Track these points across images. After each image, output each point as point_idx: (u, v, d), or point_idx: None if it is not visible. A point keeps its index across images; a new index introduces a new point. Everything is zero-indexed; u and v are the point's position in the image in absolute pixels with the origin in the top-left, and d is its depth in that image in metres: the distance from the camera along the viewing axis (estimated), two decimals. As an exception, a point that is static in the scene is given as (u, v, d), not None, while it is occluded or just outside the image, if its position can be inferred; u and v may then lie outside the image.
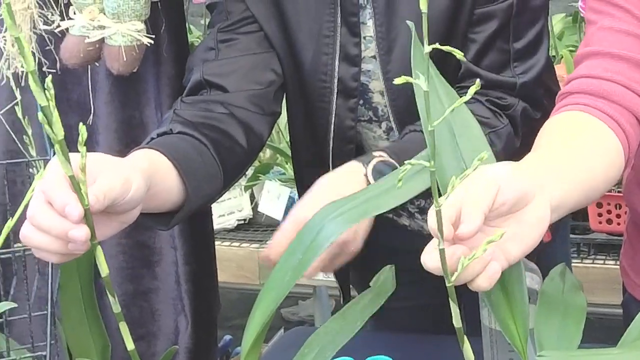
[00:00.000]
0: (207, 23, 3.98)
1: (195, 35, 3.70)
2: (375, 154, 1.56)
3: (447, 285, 1.12)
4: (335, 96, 1.79)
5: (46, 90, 1.09)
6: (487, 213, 1.15)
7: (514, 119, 1.69)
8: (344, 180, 1.51)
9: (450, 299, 1.14)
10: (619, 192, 2.99)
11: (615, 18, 1.62)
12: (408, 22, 1.16)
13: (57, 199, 1.17)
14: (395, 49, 1.73)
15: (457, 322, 1.16)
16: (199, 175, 1.52)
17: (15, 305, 1.43)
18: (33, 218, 1.20)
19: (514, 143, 1.69)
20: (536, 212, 1.21)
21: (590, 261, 3.00)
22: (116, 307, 1.22)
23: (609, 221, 3.05)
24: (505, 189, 1.17)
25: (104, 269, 1.20)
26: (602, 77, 1.56)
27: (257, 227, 3.48)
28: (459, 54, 1.04)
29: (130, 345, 1.24)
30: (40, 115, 1.12)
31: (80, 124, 1.16)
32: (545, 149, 1.41)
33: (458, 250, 1.12)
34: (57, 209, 1.18)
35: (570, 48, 3.68)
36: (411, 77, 1.06)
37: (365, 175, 1.51)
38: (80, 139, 1.15)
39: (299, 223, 1.35)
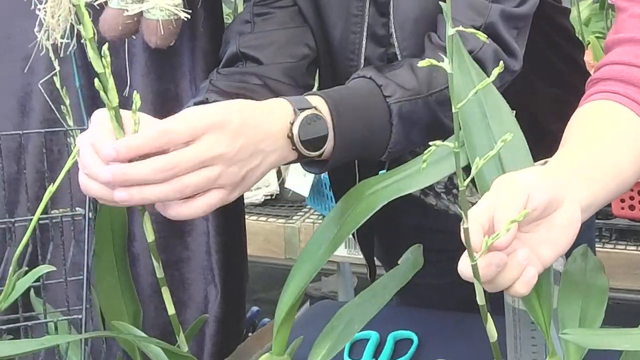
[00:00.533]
0: (236, 2, 4.00)
1: (225, 12, 3.68)
2: (312, 100, 1.43)
3: (471, 263, 1.11)
4: None
5: (102, 58, 1.12)
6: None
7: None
8: (260, 119, 1.34)
9: (474, 277, 1.14)
10: None
11: None
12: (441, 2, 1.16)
13: (104, 150, 1.20)
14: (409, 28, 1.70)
15: (480, 299, 1.16)
16: None
17: (54, 268, 1.44)
18: (86, 167, 1.23)
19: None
20: (566, 215, 1.20)
21: (612, 246, 2.96)
22: (159, 272, 1.25)
23: (632, 207, 3.01)
24: (535, 195, 1.16)
25: (150, 235, 1.23)
26: (633, 64, 1.54)
27: (283, 202, 3.47)
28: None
29: (171, 309, 1.26)
30: (96, 81, 1.16)
31: (135, 92, 1.20)
32: (574, 145, 1.39)
33: (495, 259, 1.12)
34: (104, 160, 1.21)
35: (597, 34, 3.63)
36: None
37: (292, 124, 1.37)
38: (134, 106, 1.19)
39: (167, 134, 1.22)
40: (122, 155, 1.18)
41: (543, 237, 1.18)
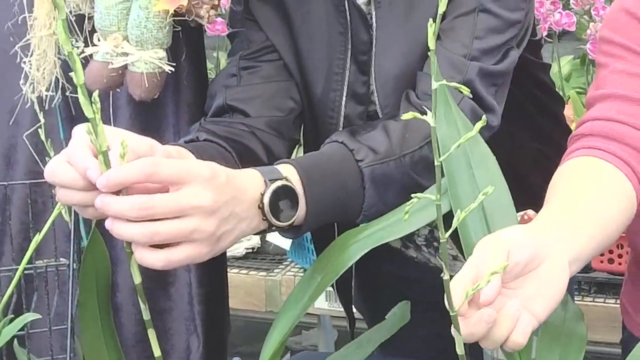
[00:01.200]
0: (219, 55, 4.02)
1: (207, 67, 3.70)
2: (284, 171, 1.42)
3: (452, 314, 1.12)
4: None
5: (93, 104, 1.13)
6: (503, 275, 1.15)
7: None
8: (236, 187, 1.32)
9: (454, 327, 1.15)
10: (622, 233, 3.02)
11: (627, 61, 1.63)
12: (430, 54, 1.17)
13: (79, 163, 1.22)
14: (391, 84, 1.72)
15: (460, 349, 1.17)
16: None
17: (39, 316, 1.44)
18: (52, 174, 1.25)
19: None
20: (553, 269, 1.21)
21: (591, 299, 2.99)
22: (146, 315, 1.25)
23: (611, 260, 3.02)
24: (516, 251, 1.17)
25: (137, 277, 1.23)
26: (615, 120, 1.57)
27: (264, 255, 3.47)
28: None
29: (157, 351, 1.27)
30: (87, 126, 1.17)
31: (123, 139, 1.20)
32: (559, 201, 1.41)
33: (483, 315, 1.13)
34: (79, 171, 1.22)
35: (578, 90, 3.67)
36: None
37: (262, 195, 1.36)
38: (121, 151, 1.19)
39: (146, 172, 1.20)
40: (110, 185, 1.18)
41: (533, 293, 1.19)
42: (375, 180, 1.50)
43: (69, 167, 1.23)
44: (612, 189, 1.49)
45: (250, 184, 1.35)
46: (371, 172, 1.50)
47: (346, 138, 1.53)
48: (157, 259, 1.22)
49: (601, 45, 1.70)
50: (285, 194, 1.39)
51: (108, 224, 1.21)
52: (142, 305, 1.24)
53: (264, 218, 1.36)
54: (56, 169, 1.25)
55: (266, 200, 1.35)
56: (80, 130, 1.24)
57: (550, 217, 1.36)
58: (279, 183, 1.37)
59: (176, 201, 1.21)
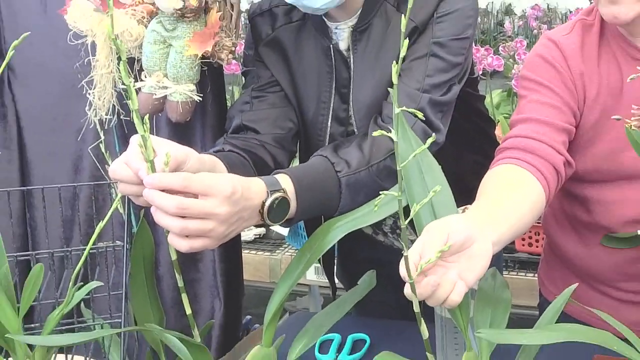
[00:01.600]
0: (233, 89, 4.00)
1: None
2: (283, 182, 1.42)
3: (409, 281, 1.14)
4: None
5: (143, 124, 1.14)
6: (444, 252, 1.18)
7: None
8: (247, 198, 1.33)
9: (412, 292, 1.17)
10: (538, 223, 3.00)
11: (540, 94, 1.64)
12: (390, 90, 1.15)
13: (133, 165, 1.24)
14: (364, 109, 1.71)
15: (416, 307, 1.18)
16: None
17: (101, 283, 1.44)
18: (114, 172, 1.28)
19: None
20: (480, 248, 1.22)
21: (515, 273, 2.96)
22: (180, 282, 1.26)
23: (530, 244, 3.02)
24: (454, 235, 1.18)
25: (173, 254, 1.25)
26: (530, 137, 1.58)
27: (268, 240, 3.42)
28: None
29: (188, 310, 1.27)
30: (138, 139, 1.19)
31: (168, 151, 1.22)
32: (487, 198, 1.43)
33: (430, 280, 1.16)
34: (133, 171, 1.24)
35: (505, 115, 3.66)
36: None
37: (263, 202, 1.36)
38: (165, 160, 1.21)
39: (181, 185, 1.22)
40: (154, 185, 1.21)
41: (466, 266, 1.20)
42: (350, 186, 1.51)
43: (126, 168, 1.26)
44: (527, 190, 1.50)
45: (256, 194, 1.35)
46: (347, 180, 1.50)
47: (329, 153, 1.54)
48: (183, 245, 1.25)
49: (521, 81, 1.71)
50: (280, 204, 1.39)
51: (153, 210, 1.23)
52: (177, 276, 1.25)
53: (262, 219, 1.37)
54: (117, 168, 1.27)
55: (265, 207, 1.36)
56: (135, 140, 1.26)
57: (480, 210, 1.38)
58: (277, 195, 1.38)
59: (202, 208, 1.23)
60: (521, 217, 1.43)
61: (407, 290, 1.17)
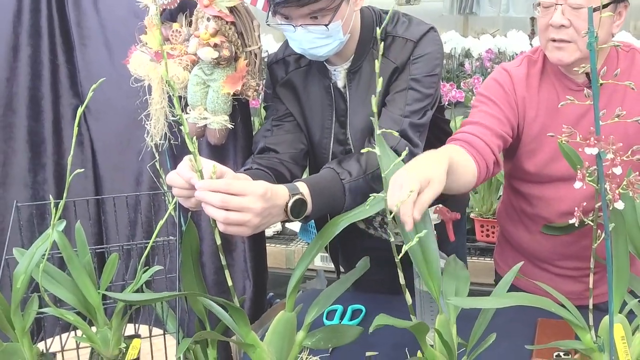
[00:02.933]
0: (253, 119, 3.94)
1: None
2: (300, 187, 1.42)
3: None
4: None
5: (192, 143, 1.17)
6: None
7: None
8: (275, 198, 1.34)
9: (398, 269, 1.18)
10: (493, 218, 3.01)
11: (489, 106, 1.67)
12: (372, 119, 1.18)
13: (184, 175, 1.27)
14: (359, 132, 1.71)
15: (401, 279, 1.20)
16: None
17: (161, 267, 1.48)
18: (170, 181, 1.30)
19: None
20: (437, 185, 1.23)
21: (477, 258, 2.97)
22: (224, 260, 1.26)
23: (487, 235, 3.05)
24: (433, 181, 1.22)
25: (218, 239, 1.26)
26: (475, 135, 1.60)
27: (284, 235, 3.43)
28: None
29: (230, 282, 1.28)
30: (189, 156, 1.22)
31: (214, 164, 1.26)
32: (437, 154, 1.40)
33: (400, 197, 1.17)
34: (184, 179, 1.27)
35: None
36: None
37: (287, 203, 1.37)
38: (212, 170, 1.24)
39: (223, 188, 1.25)
40: (205, 188, 1.23)
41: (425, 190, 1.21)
42: (352, 191, 1.51)
43: (178, 177, 1.29)
44: (467, 163, 1.51)
45: (282, 197, 1.36)
46: (349, 186, 1.51)
47: (335, 165, 1.54)
48: (230, 232, 1.27)
49: (477, 96, 1.73)
50: (300, 204, 1.40)
51: (203, 205, 1.25)
52: (221, 256, 1.26)
53: (286, 216, 1.38)
54: (172, 177, 1.30)
55: (289, 206, 1.37)
56: (185, 160, 1.29)
57: (440, 153, 1.39)
58: (297, 197, 1.38)
59: (240, 202, 1.25)
60: (461, 176, 1.45)
61: (390, 204, 1.18)
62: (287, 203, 1.37)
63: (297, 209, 1.39)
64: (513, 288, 1.30)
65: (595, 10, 1.43)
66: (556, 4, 1.56)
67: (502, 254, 1.98)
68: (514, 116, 1.69)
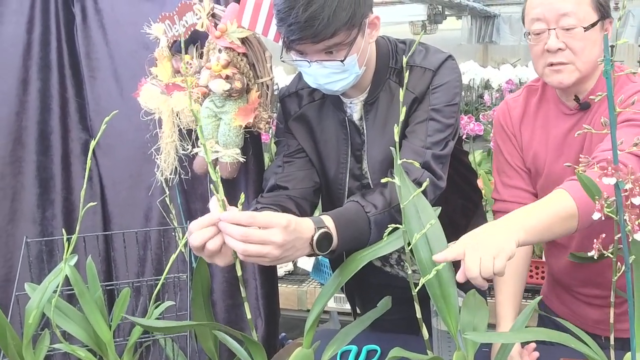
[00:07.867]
0: (263, 154, 3.97)
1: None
2: (326, 221, 1.44)
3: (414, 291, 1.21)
4: (346, 200, 1.70)
5: (216, 173, 1.22)
6: None
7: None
8: (299, 231, 1.35)
9: (415, 302, 1.21)
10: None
11: (503, 156, 1.83)
12: (392, 149, 1.21)
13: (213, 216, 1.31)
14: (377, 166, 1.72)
15: (418, 313, 1.23)
16: None
17: (173, 303, 1.51)
18: (192, 226, 1.33)
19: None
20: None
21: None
22: (244, 292, 1.31)
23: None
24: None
25: (239, 270, 1.31)
26: (512, 201, 1.75)
27: (296, 275, 3.45)
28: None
29: (249, 315, 1.31)
30: (212, 186, 1.27)
31: (242, 194, 1.33)
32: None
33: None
34: (212, 222, 1.31)
35: (485, 170, 3.66)
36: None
37: (312, 237, 1.39)
38: (241, 201, 1.31)
39: (248, 220, 1.29)
40: (228, 220, 1.28)
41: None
42: (377, 223, 1.52)
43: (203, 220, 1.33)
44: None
45: (307, 229, 1.38)
46: (374, 219, 1.52)
47: (359, 199, 1.55)
48: (246, 260, 1.31)
49: (492, 141, 1.85)
50: (326, 237, 1.41)
51: (225, 237, 1.30)
52: (241, 288, 1.30)
53: (312, 250, 1.39)
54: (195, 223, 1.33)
55: (314, 240, 1.39)
56: (213, 203, 1.33)
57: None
58: (322, 230, 1.40)
59: (261, 236, 1.28)
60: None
61: (459, 275, 1.23)
62: (312, 237, 1.39)
63: (323, 243, 1.41)
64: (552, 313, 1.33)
65: (586, 29, 1.59)
66: (549, 29, 1.64)
67: (550, 292, 2.02)
68: (519, 148, 1.83)
